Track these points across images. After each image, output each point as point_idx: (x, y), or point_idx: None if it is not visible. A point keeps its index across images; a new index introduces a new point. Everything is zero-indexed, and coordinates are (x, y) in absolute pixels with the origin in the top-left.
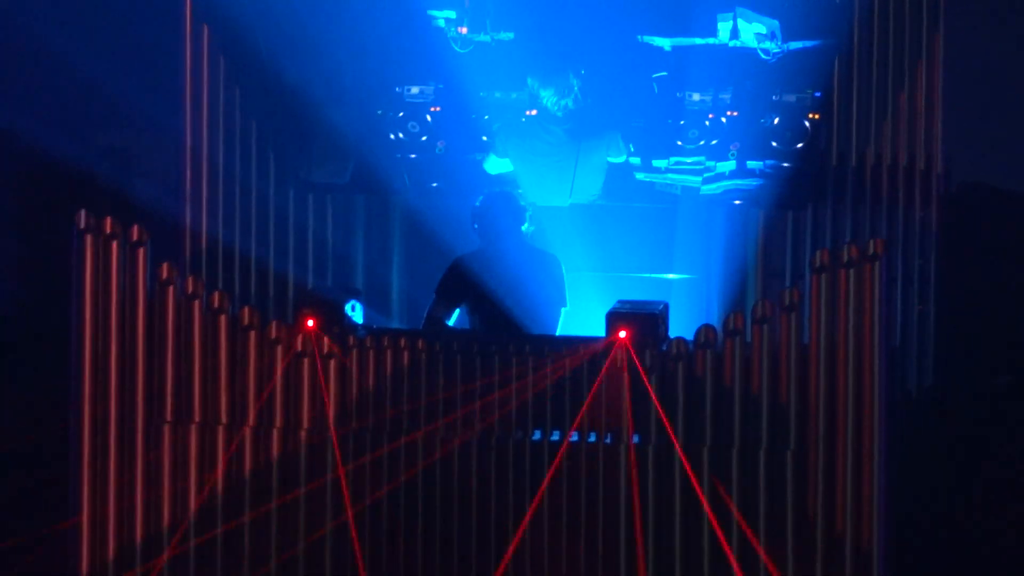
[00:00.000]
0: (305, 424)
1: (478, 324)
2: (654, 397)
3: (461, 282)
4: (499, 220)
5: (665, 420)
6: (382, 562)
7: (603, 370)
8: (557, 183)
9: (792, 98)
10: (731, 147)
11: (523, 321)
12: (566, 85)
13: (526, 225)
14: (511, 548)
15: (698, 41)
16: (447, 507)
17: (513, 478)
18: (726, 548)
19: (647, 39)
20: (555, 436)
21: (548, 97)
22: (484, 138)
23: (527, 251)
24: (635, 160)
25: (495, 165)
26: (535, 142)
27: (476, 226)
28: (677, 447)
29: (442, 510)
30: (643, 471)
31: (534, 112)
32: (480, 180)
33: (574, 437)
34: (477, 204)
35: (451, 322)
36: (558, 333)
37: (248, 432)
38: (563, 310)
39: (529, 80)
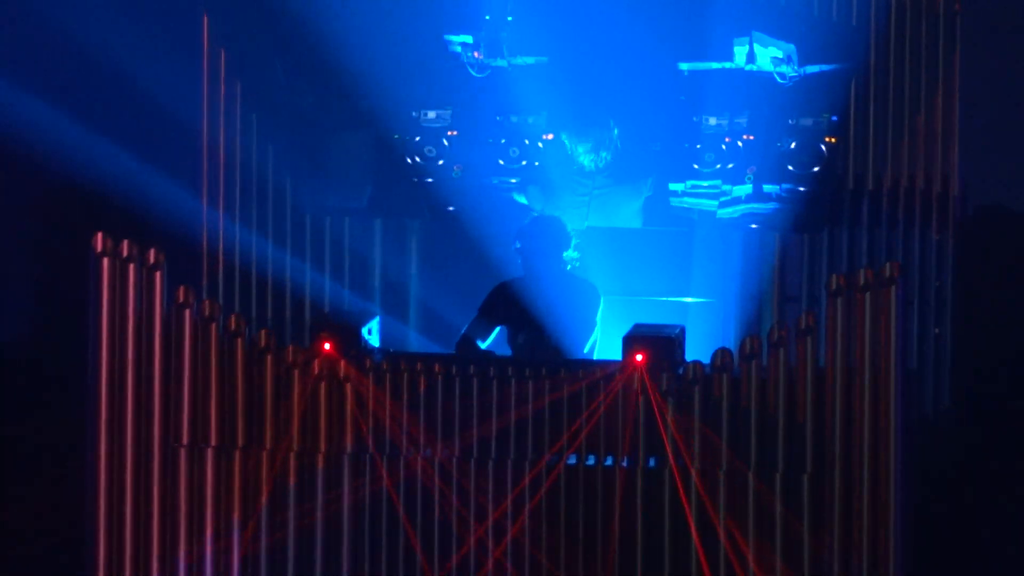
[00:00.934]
0: (322, 448)
1: (519, 346)
2: (671, 421)
3: (503, 305)
4: (544, 243)
5: (681, 444)
6: None
7: (619, 394)
8: (576, 205)
9: (809, 122)
10: (747, 171)
11: (559, 345)
12: (605, 138)
13: (570, 251)
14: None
15: (714, 65)
16: (459, 525)
17: (528, 500)
18: (739, 573)
19: (681, 65)
20: (572, 460)
21: (584, 153)
22: (501, 161)
23: (567, 277)
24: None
25: (535, 198)
26: (564, 194)
27: (519, 246)
28: (693, 471)
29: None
30: (658, 494)
31: (550, 136)
32: (499, 204)
33: (589, 461)
34: (525, 224)
35: (486, 343)
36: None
37: (264, 456)
38: (591, 338)
39: (563, 136)
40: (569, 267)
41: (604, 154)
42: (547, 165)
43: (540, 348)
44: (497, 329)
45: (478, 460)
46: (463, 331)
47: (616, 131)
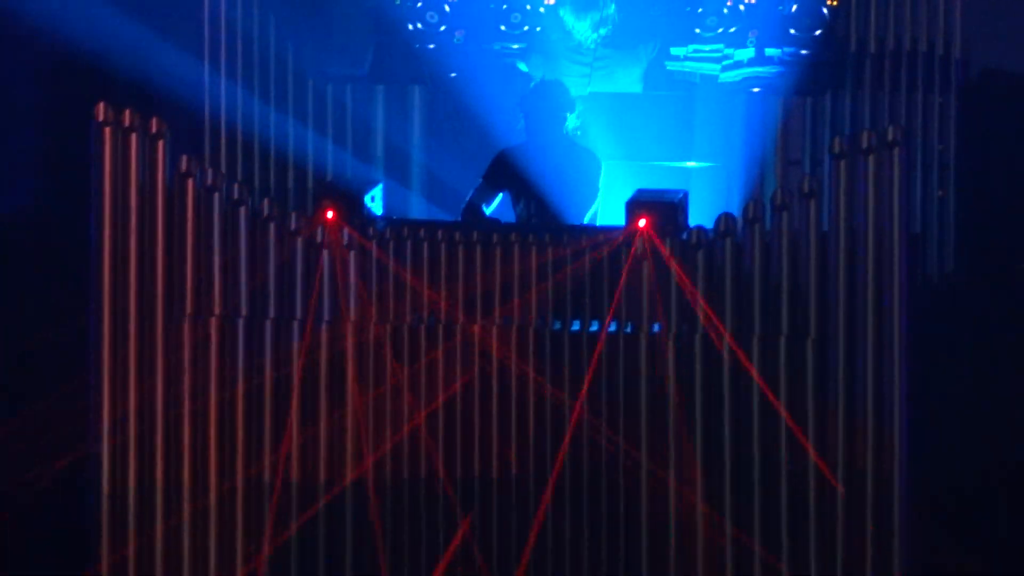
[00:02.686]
0: (326, 317)
1: (521, 212)
2: (675, 285)
3: (505, 172)
4: (547, 109)
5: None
6: (403, 455)
7: (628, 260)
8: (577, 75)
9: None
10: (749, 34)
11: (565, 211)
12: (602, 13)
13: (572, 118)
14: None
15: None
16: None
17: (544, 367)
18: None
19: None
20: (575, 326)
21: (583, 30)
22: (503, 27)
23: (569, 144)
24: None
25: (533, 65)
26: (562, 64)
27: (523, 112)
28: (696, 336)
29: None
30: (662, 360)
31: (551, 1)
32: (501, 70)
33: (593, 327)
34: (528, 90)
35: (490, 209)
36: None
37: (269, 325)
38: (593, 206)
39: (561, 12)
40: (572, 134)
41: (602, 30)
42: (548, 33)
43: (541, 215)
44: (500, 195)
45: (483, 326)
46: (468, 198)
47: (613, 6)
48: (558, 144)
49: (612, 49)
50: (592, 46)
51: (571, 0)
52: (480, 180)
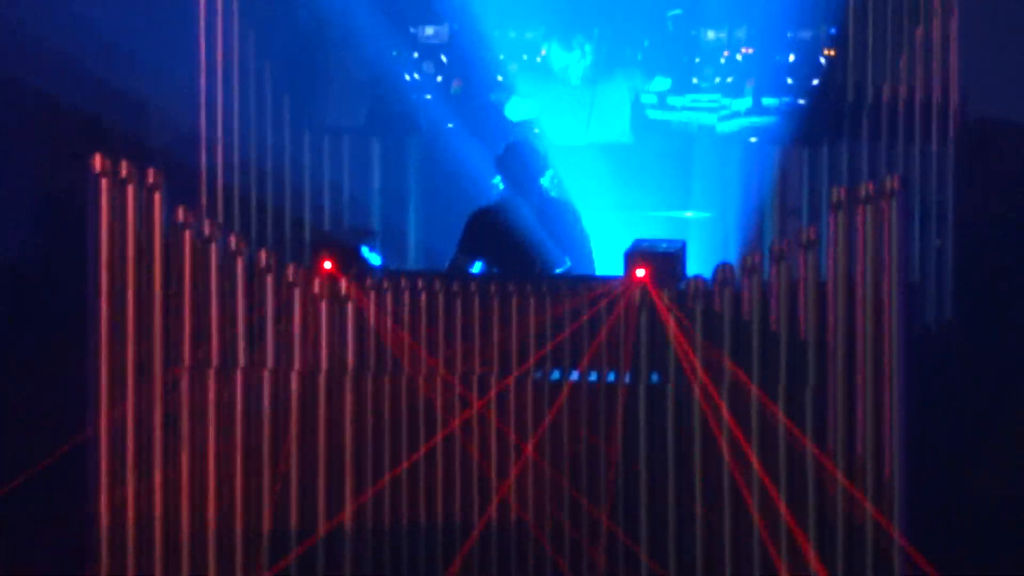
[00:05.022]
0: (324, 367)
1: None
2: (673, 336)
3: (481, 234)
4: (522, 168)
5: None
6: (402, 507)
7: (621, 310)
8: (575, 122)
9: (807, 34)
10: (747, 84)
11: (542, 270)
12: (583, 48)
13: (548, 175)
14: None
15: None
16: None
17: (533, 417)
18: (743, 487)
19: None
20: (574, 375)
21: (569, 62)
22: (499, 77)
23: (544, 200)
24: (650, 99)
25: (517, 110)
26: (553, 84)
27: (499, 175)
28: (695, 386)
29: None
30: (661, 410)
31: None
32: (498, 122)
33: (592, 377)
34: (500, 153)
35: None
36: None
37: (266, 375)
38: (568, 259)
39: (545, 46)
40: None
41: (584, 64)
42: (539, 77)
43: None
44: (479, 261)
45: (480, 378)
46: (448, 265)
47: (589, 47)
48: (532, 200)
49: (597, 73)
50: (577, 82)
51: (557, 35)
52: (456, 249)
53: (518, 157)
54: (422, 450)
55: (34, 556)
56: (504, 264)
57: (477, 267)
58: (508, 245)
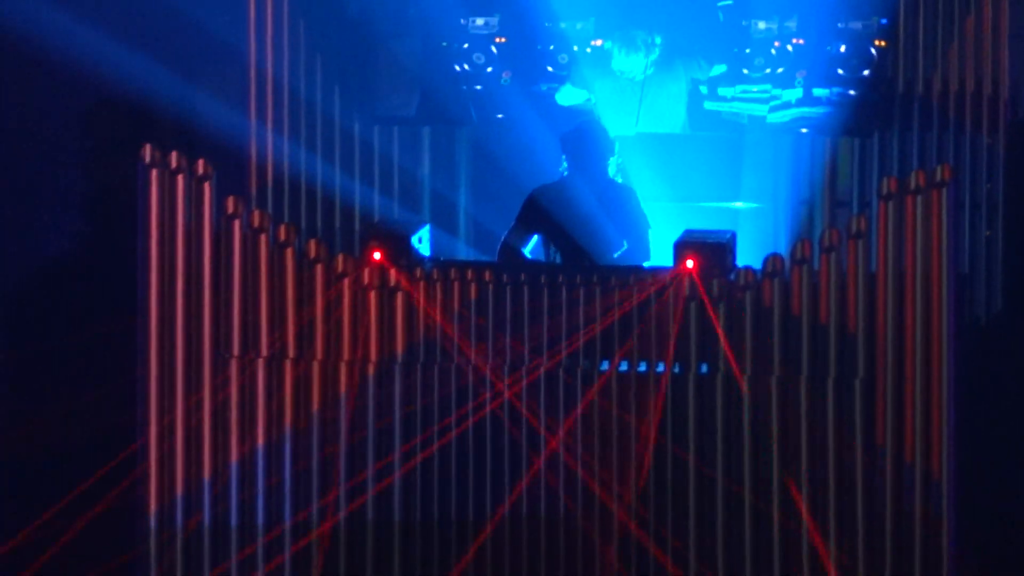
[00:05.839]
0: (373, 357)
1: (553, 254)
2: (720, 327)
3: (538, 211)
4: (589, 149)
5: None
6: (451, 498)
7: (670, 300)
8: (625, 113)
9: (858, 25)
10: (797, 75)
11: (594, 252)
12: (648, 46)
13: (613, 161)
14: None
15: None
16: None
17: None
18: (790, 479)
19: None
20: (623, 367)
21: (631, 62)
22: (549, 68)
23: (606, 183)
24: (703, 88)
25: (568, 96)
26: (605, 76)
27: (564, 152)
28: (744, 377)
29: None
30: (710, 401)
31: (599, 43)
32: (548, 111)
33: (641, 367)
34: (570, 131)
35: (527, 249)
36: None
37: (316, 366)
38: (623, 244)
39: (607, 44)
40: (613, 174)
41: (648, 62)
42: (594, 70)
43: (575, 255)
44: (535, 237)
45: (529, 368)
46: (503, 238)
47: (659, 39)
48: (595, 183)
49: (657, 82)
50: (642, 78)
51: (619, 38)
52: (514, 221)
53: (586, 137)
54: (469, 433)
55: (85, 542)
56: (560, 241)
57: (533, 242)
58: (566, 223)
